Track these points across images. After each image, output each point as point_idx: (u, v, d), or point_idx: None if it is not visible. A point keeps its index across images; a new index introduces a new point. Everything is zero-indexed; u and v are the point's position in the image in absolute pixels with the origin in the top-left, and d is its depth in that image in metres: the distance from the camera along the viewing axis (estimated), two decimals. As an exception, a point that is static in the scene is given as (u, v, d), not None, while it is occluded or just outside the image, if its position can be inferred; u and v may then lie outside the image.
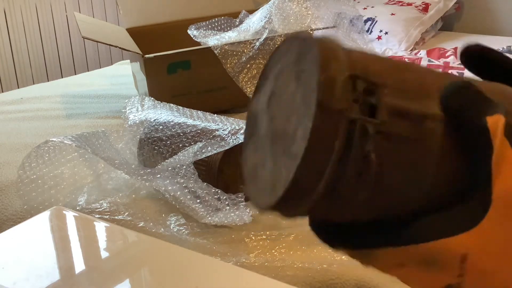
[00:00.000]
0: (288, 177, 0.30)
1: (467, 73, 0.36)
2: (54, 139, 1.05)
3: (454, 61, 2.37)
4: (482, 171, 0.28)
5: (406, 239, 0.29)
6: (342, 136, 0.29)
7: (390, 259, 0.30)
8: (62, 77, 2.72)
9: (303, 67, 0.31)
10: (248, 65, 1.51)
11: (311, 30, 1.57)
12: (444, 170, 0.30)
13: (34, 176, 1.04)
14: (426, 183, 0.30)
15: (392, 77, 0.31)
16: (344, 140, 0.29)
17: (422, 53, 2.59)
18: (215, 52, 1.48)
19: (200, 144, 1.01)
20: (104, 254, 0.80)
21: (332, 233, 0.31)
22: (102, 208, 1.02)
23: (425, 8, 2.91)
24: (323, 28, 1.61)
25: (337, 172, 0.29)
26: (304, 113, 0.30)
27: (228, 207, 0.97)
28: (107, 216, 0.99)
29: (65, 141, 1.02)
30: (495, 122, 0.28)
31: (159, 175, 1.01)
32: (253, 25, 1.59)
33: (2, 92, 2.46)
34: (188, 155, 1.01)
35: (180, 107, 1.25)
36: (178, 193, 0.97)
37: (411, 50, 2.73)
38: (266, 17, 1.57)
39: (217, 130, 1.06)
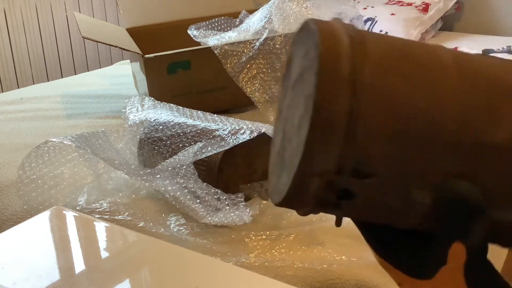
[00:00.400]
0: (282, 192, 0.31)
1: None
2: (54, 140, 1.05)
3: (454, 61, 2.36)
4: (436, 260, 0.36)
5: (373, 244, 0.38)
6: (313, 201, 0.30)
7: None
8: (62, 77, 2.71)
9: (307, 110, 0.30)
10: (248, 65, 1.51)
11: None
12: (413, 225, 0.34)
13: (34, 176, 1.04)
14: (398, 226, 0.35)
15: (388, 163, 0.30)
16: (316, 202, 0.30)
17: (422, 53, 2.58)
18: (215, 52, 1.48)
19: (200, 144, 1.01)
20: (104, 254, 0.79)
21: None
22: (102, 208, 1.02)
23: (425, 8, 2.91)
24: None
25: (313, 210, 0.31)
26: (295, 157, 0.30)
27: (227, 207, 0.97)
28: (107, 216, 0.99)
29: (65, 142, 1.02)
30: (460, 250, 0.35)
31: (158, 175, 1.00)
32: (253, 25, 1.59)
33: (2, 92, 2.46)
34: (188, 155, 1.00)
35: (180, 107, 1.25)
36: (178, 193, 0.97)
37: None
38: (266, 17, 1.57)
39: (217, 130, 1.06)
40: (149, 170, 1.02)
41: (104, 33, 1.69)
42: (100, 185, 1.09)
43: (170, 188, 0.98)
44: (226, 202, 0.97)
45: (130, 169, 1.01)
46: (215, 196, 0.98)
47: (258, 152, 1.04)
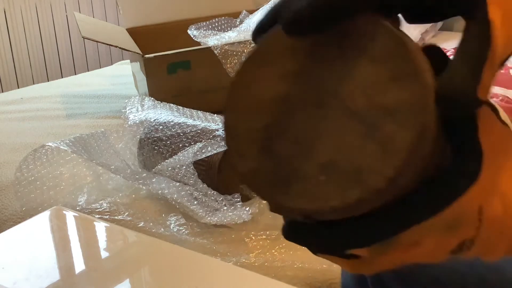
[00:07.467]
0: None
1: None
2: (50, 144, 1.05)
3: (454, 61, 2.37)
4: (469, 131, 0.31)
5: (435, 209, 0.30)
6: None
7: (408, 240, 0.31)
8: (62, 77, 2.71)
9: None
10: (248, 65, 1.51)
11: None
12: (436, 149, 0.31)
13: (32, 178, 1.04)
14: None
15: None
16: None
17: (422, 53, 2.58)
18: (215, 52, 1.48)
19: (200, 144, 1.01)
20: (104, 254, 0.79)
21: (332, 234, 0.31)
22: (102, 208, 1.02)
23: (425, 8, 2.90)
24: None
25: None
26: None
27: (225, 208, 0.97)
28: (107, 216, 0.99)
29: (61, 147, 1.02)
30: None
31: (154, 179, 1.01)
32: (253, 25, 1.59)
33: (2, 92, 2.46)
34: (188, 155, 1.01)
35: (180, 107, 1.25)
36: (175, 195, 0.98)
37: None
38: (266, 17, 1.56)
39: (217, 130, 1.06)
40: (145, 174, 1.02)
41: (104, 33, 1.69)
42: (100, 185, 1.09)
43: (167, 191, 0.98)
44: (224, 203, 0.97)
45: (126, 173, 1.02)
46: (212, 197, 0.98)
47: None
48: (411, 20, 0.33)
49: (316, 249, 0.32)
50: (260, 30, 0.32)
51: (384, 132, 0.28)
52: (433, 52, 0.33)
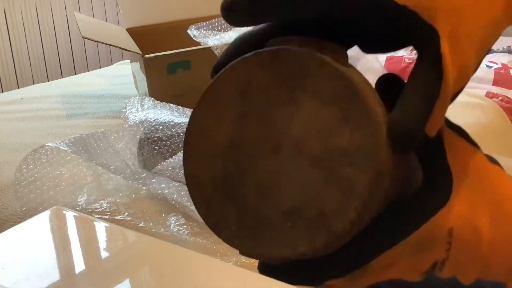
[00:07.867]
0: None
1: None
2: (50, 144, 1.05)
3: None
4: (439, 157, 0.32)
5: (406, 232, 0.30)
6: None
7: (380, 264, 0.31)
8: (62, 77, 2.71)
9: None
10: (248, 65, 1.51)
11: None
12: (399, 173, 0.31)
13: (32, 178, 1.04)
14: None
15: None
16: None
17: (422, 53, 2.58)
18: (215, 52, 1.48)
19: (200, 144, 1.01)
20: (104, 254, 0.79)
21: (306, 270, 0.31)
22: (102, 208, 1.02)
23: (425, 8, 2.90)
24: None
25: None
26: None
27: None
28: (107, 216, 0.99)
29: (61, 147, 1.02)
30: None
31: (154, 179, 1.01)
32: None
33: (2, 92, 2.46)
34: (188, 155, 1.01)
35: (180, 107, 1.25)
36: (175, 196, 0.97)
37: (411, 50, 2.73)
38: (266, 17, 1.57)
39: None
40: (145, 174, 1.02)
41: (104, 33, 1.69)
42: (100, 185, 1.09)
43: (167, 191, 0.98)
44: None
45: (126, 173, 1.02)
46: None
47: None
48: (366, 49, 0.33)
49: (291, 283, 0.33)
50: (218, 70, 0.31)
51: (342, 176, 0.28)
52: (390, 81, 0.32)
